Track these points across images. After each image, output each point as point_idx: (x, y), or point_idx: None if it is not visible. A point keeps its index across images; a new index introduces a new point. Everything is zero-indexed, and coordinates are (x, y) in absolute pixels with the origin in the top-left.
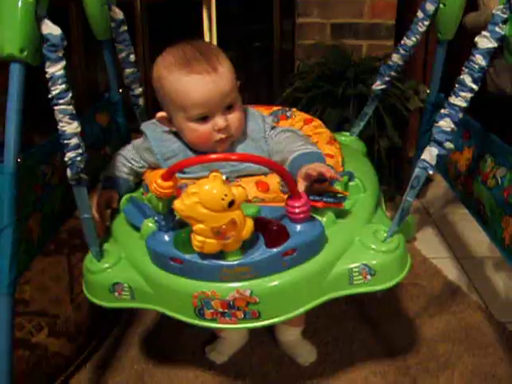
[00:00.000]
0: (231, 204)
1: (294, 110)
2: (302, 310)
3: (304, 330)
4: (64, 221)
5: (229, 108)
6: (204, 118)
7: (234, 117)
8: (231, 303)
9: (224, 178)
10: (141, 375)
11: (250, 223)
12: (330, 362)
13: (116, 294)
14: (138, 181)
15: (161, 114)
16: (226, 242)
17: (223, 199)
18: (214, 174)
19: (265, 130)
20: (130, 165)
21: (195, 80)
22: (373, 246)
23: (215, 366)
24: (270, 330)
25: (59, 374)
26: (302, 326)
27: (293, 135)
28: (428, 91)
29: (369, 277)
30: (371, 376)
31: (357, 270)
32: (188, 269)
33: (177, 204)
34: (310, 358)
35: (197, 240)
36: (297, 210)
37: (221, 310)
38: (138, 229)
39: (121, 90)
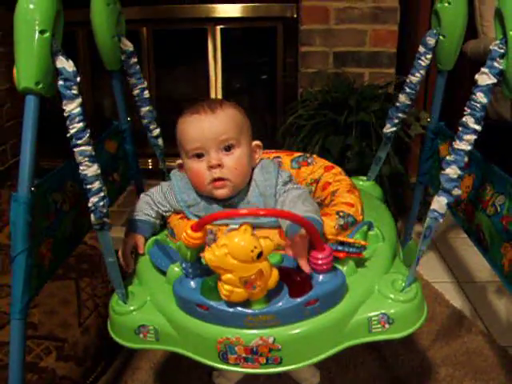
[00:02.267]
0: (259, 255)
1: (315, 156)
2: (322, 356)
3: None
4: (75, 246)
5: (227, 150)
6: (199, 156)
7: (230, 159)
8: (254, 349)
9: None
10: None
11: (275, 273)
12: None
13: (141, 335)
14: (162, 223)
15: (179, 161)
16: (253, 291)
17: (252, 251)
18: (244, 226)
19: (277, 185)
20: (157, 208)
21: (193, 118)
22: (391, 296)
23: None
24: None
25: None
26: None
27: (300, 196)
28: (429, 119)
29: (387, 325)
30: None
31: (376, 318)
32: (214, 315)
33: (207, 255)
34: (314, 381)
35: (225, 289)
36: (320, 262)
37: (244, 355)
38: (163, 272)
39: (129, 119)
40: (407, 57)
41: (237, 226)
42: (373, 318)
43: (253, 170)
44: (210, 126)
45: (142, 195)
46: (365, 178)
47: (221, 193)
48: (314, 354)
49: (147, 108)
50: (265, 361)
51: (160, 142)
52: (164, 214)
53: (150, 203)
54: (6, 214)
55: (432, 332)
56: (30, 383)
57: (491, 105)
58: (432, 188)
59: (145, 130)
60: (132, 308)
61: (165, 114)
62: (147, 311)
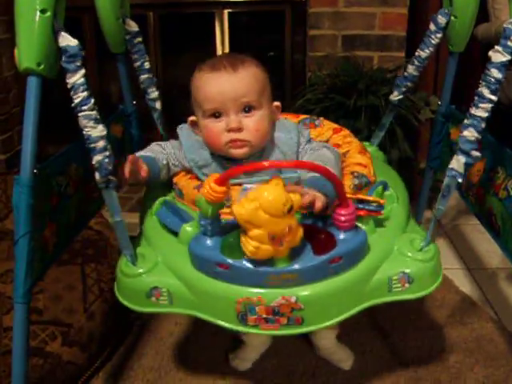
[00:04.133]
0: (290, 210)
1: (322, 118)
2: (343, 316)
3: (339, 334)
4: (79, 231)
5: (247, 112)
6: (218, 116)
7: (250, 121)
8: (276, 309)
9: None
10: None
11: (301, 230)
12: (341, 373)
13: (153, 298)
14: (167, 180)
15: (191, 118)
16: (280, 248)
17: (284, 205)
18: (275, 180)
19: (299, 143)
20: (167, 158)
21: (213, 76)
22: (410, 255)
23: (228, 376)
24: (287, 339)
25: (72, 382)
26: (337, 329)
27: (325, 155)
28: (439, 103)
29: (407, 285)
30: None
31: (396, 277)
32: (234, 274)
33: (236, 208)
34: (349, 362)
35: (252, 245)
36: (343, 218)
37: (265, 315)
38: (174, 233)
39: (134, 102)
40: (417, 40)
41: (251, 186)
42: (393, 277)
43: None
44: (230, 86)
45: (151, 144)
46: (368, 143)
47: (238, 152)
48: (336, 314)
49: (146, 76)
50: (286, 321)
51: (158, 105)
52: (172, 167)
53: (162, 150)
54: (12, 201)
55: (442, 319)
56: (35, 368)
57: (502, 90)
58: (442, 173)
59: (144, 96)
60: (142, 270)
61: (172, 99)
62: (159, 273)
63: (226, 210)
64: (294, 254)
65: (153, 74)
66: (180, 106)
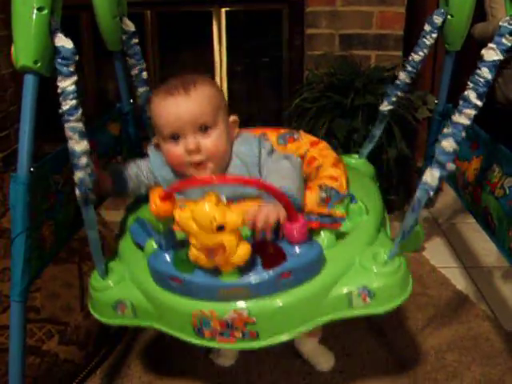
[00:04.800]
0: (220, 228)
1: (302, 132)
2: (300, 330)
3: (322, 337)
4: (76, 229)
5: (203, 131)
6: (176, 138)
7: (208, 141)
8: (229, 323)
9: (223, 199)
10: (150, 383)
11: (245, 250)
12: (337, 371)
13: (119, 311)
14: (145, 195)
15: (155, 140)
16: (215, 262)
17: (211, 222)
18: (209, 194)
19: (260, 154)
20: (137, 169)
21: (168, 101)
22: (373, 269)
23: (224, 375)
24: None
25: (69, 381)
26: (318, 335)
27: (283, 167)
28: (436, 101)
29: (368, 299)
30: None
31: (356, 292)
32: (187, 288)
33: (175, 214)
34: (327, 364)
35: (191, 251)
36: (294, 232)
37: (219, 329)
38: (142, 248)
39: (132, 101)
40: (414, 40)
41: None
42: (353, 292)
43: (232, 142)
44: (185, 110)
45: (127, 160)
46: (357, 155)
47: (201, 174)
48: (292, 328)
49: (144, 89)
50: (241, 335)
51: None
52: (144, 180)
53: (134, 163)
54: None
55: (438, 317)
56: (32, 366)
57: (500, 89)
58: None
59: (141, 112)
60: (110, 283)
61: None
62: (124, 286)
63: None
64: (244, 268)
65: (150, 88)
66: None
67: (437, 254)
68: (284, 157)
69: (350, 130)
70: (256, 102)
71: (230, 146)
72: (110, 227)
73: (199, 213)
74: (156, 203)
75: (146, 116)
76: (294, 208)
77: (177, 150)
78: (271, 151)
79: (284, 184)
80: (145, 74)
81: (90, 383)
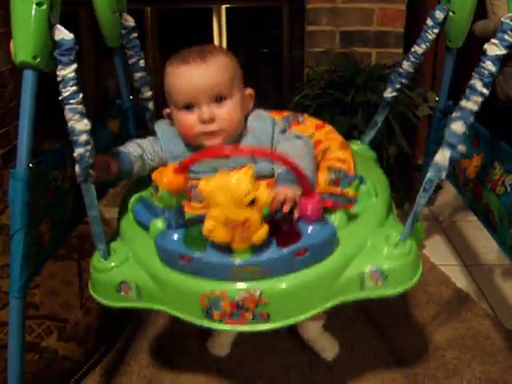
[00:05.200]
0: (251, 203)
1: (306, 115)
2: (312, 312)
3: (326, 324)
4: (75, 226)
5: (218, 101)
6: (190, 108)
7: (222, 111)
8: (240, 304)
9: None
10: (149, 380)
11: (265, 229)
12: (337, 369)
13: (122, 293)
14: (144, 177)
15: (166, 110)
16: (236, 236)
17: (246, 195)
18: (246, 168)
19: (273, 132)
20: (141, 150)
21: (183, 69)
22: (385, 250)
23: (223, 371)
24: (283, 334)
25: (68, 378)
26: (322, 320)
27: (296, 146)
28: (437, 99)
29: (380, 281)
30: (379, 383)
31: (369, 273)
32: (197, 267)
33: (202, 183)
34: (332, 351)
35: (208, 223)
36: (309, 208)
37: (229, 310)
38: (146, 228)
39: (132, 97)
40: (415, 37)
41: None
42: (365, 273)
43: (246, 118)
44: (200, 78)
45: (127, 142)
46: (359, 142)
47: (212, 142)
48: (304, 310)
49: (140, 74)
50: (251, 316)
51: (150, 105)
52: (147, 160)
53: (135, 146)
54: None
55: (438, 315)
56: (31, 363)
57: (500, 86)
58: None
59: (136, 95)
60: (113, 264)
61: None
62: (128, 267)
63: (194, 204)
64: (257, 247)
65: (147, 73)
66: None
67: (437, 251)
68: (297, 136)
69: (351, 127)
70: (256, 99)
71: (243, 118)
72: (110, 224)
73: (234, 184)
74: (169, 177)
75: (141, 97)
76: (309, 184)
77: (190, 118)
78: (284, 130)
79: (303, 164)
80: (142, 62)
81: (89, 380)
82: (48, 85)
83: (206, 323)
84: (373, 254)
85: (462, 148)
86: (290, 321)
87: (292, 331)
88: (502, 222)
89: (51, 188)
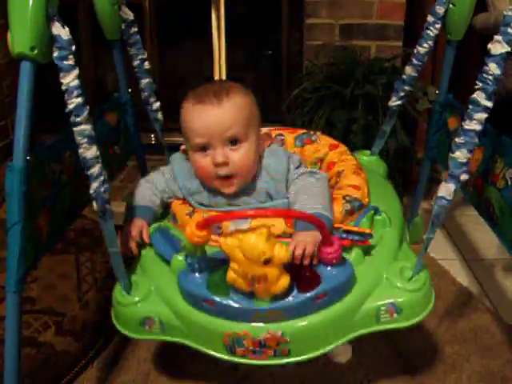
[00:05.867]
0: (267, 262)
1: (319, 133)
2: (330, 347)
3: None
4: (73, 220)
5: (233, 144)
6: (205, 150)
7: (237, 154)
8: (262, 342)
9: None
10: (147, 375)
11: (285, 281)
12: (335, 363)
13: (146, 327)
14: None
15: (183, 147)
16: (254, 289)
17: (260, 256)
18: (261, 229)
19: (288, 169)
20: (161, 196)
21: (198, 110)
22: (399, 285)
23: (221, 366)
24: None
25: (66, 372)
26: None
27: (311, 184)
28: (437, 92)
29: (395, 314)
30: (380, 378)
31: (384, 308)
32: (220, 310)
33: (222, 239)
34: (345, 356)
35: (229, 275)
36: (330, 257)
37: (252, 348)
38: (166, 261)
39: (130, 90)
40: (415, 30)
41: (242, 222)
42: (381, 308)
43: (261, 156)
44: (215, 120)
45: (141, 181)
46: (369, 152)
47: (229, 190)
48: (323, 345)
49: (147, 80)
50: (273, 353)
51: (159, 116)
52: (167, 200)
53: (154, 190)
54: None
55: (438, 310)
56: (28, 357)
57: (501, 80)
58: (440, 163)
59: (145, 106)
60: (136, 299)
61: (168, 89)
62: (152, 302)
63: (214, 238)
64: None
65: (153, 79)
66: (177, 96)
67: (437, 246)
68: (311, 172)
69: (350, 121)
70: (255, 92)
71: (258, 159)
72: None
73: (248, 245)
74: (193, 231)
75: (149, 109)
76: (329, 233)
77: (204, 161)
78: (299, 166)
79: (317, 203)
80: (146, 64)
81: (87, 374)
82: (47, 78)
83: (229, 358)
84: (388, 289)
85: (465, 177)
86: (310, 355)
87: None
88: (503, 216)
89: (49, 181)
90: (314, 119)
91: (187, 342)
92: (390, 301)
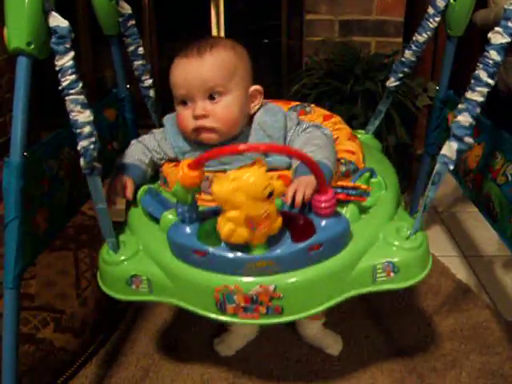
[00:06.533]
0: (270, 195)
1: (313, 105)
2: (324, 306)
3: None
4: (71, 216)
5: (213, 98)
6: (185, 103)
7: (216, 107)
8: (254, 298)
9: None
10: (146, 371)
11: (280, 219)
12: (336, 359)
13: (133, 286)
14: (154, 174)
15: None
16: (256, 233)
17: (265, 189)
18: (259, 163)
19: (286, 125)
20: (151, 155)
21: (182, 63)
22: (396, 243)
23: (220, 362)
24: (281, 326)
25: (65, 369)
26: (322, 318)
27: (315, 136)
28: (437, 88)
29: (392, 274)
30: (378, 374)
31: (380, 266)
32: (211, 261)
33: (214, 187)
34: (337, 347)
35: (227, 227)
36: (323, 205)
37: (243, 304)
38: (156, 220)
39: (128, 86)
40: (415, 26)
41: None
42: (377, 266)
43: (255, 113)
44: (195, 73)
45: (133, 141)
46: (363, 131)
47: (207, 137)
48: (317, 304)
49: (140, 62)
50: (265, 311)
51: (151, 93)
52: (158, 161)
53: (144, 149)
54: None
55: (438, 306)
56: (27, 354)
57: (501, 77)
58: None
59: (137, 84)
60: (123, 257)
61: (167, 84)
62: (139, 260)
63: (205, 196)
64: (272, 241)
65: (146, 61)
66: None
67: (436, 242)
68: (316, 126)
69: (349, 117)
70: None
71: (244, 116)
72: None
73: (251, 181)
74: (185, 172)
75: (141, 85)
76: (325, 181)
77: (185, 113)
78: (299, 122)
79: (323, 154)
80: (141, 50)
81: (86, 371)
82: (47, 75)
83: (219, 316)
84: (384, 247)
85: (469, 140)
86: (304, 314)
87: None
88: (503, 212)
89: (47, 177)
90: None
91: (176, 302)
92: (387, 259)
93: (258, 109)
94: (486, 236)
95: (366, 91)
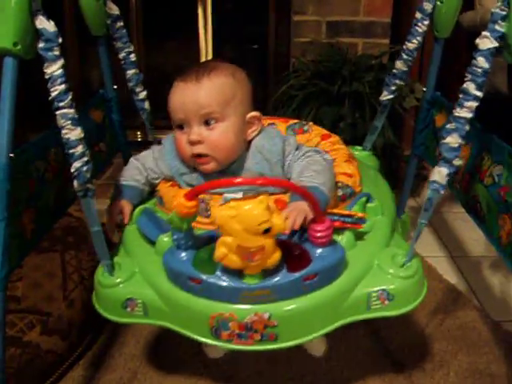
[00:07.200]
0: (266, 231)
1: (311, 124)
2: (319, 333)
3: None
4: (58, 217)
5: (208, 123)
6: (182, 127)
7: (211, 134)
8: (249, 325)
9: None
10: (134, 373)
11: (277, 254)
12: (325, 360)
13: (128, 309)
14: (150, 190)
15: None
16: (251, 264)
17: (260, 225)
18: (262, 197)
19: (284, 150)
20: (146, 174)
21: (179, 87)
22: (391, 271)
23: (209, 364)
24: None
25: (52, 371)
26: None
27: (314, 161)
28: (424, 89)
29: (387, 302)
30: (368, 376)
31: (375, 294)
32: (206, 289)
33: (215, 210)
34: (320, 348)
35: (220, 251)
36: (319, 234)
37: (238, 331)
38: (152, 242)
39: (115, 87)
40: (402, 27)
41: (232, 196)
42: (372, 294)
43: (254, 138)
44: (191, 98)
45: (131, 159)
46: (360, 147)
47: (204, 168)
48: (311, 331)
49: (133, 71)
50: (259, 337)
51: (146, 105)
52: (153, 181)
53: (140, 168)
54: None
55: (425, 306)
56: (13, 357)
57: (488, 78)
58: (427, 160)
59: (131, 96)
60: (119, 280)
61: (154, 84)
62: (135, 284)
63: (201, 220)
64: (268, 270)
65: (139, 70)
66: (163, 92)
67: (423, 243)
68: (316, 151)
69: (337, 118)
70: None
71: (240, 142)
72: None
73: (249, 213)
74: (181, 202)
75: (136, 98)
76: (321, 210)
77: (181, 138)
78: (298, 147)
79: (321, 180)
80: (133, 57)
81: (74, 373)
82: (34, 76)
83: (213, 342)
84: (379, 275)
85: (458, 162)
86: (298, 341)
87: None
88: (490, 213)
89: (33, 178)
90: (300, 116)
91: (171, 326)
92: (382, 287)
93: (257, 134)
94: (473, 237)
95: (354, 92)
